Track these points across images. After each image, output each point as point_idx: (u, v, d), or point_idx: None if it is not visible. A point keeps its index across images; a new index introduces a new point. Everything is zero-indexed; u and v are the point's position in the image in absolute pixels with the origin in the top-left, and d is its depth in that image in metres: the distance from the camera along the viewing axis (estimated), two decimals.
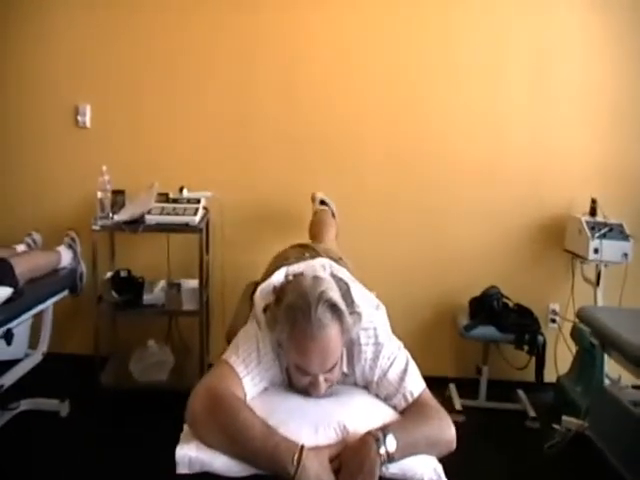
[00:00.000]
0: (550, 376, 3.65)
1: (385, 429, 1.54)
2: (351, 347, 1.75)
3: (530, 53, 3.69)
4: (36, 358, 3.31)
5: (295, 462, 1.43)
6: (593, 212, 3.57)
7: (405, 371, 1.74)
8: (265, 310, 1.74)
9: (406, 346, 1.86)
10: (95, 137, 3.76)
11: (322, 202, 3.54)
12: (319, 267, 1.97)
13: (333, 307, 1.61)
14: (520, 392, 3.70)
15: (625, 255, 3.41)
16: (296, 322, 1.59)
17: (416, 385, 1.73)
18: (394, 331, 1.93)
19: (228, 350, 1.77)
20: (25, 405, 3.19)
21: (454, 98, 3.73)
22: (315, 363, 1.62)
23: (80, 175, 3.71)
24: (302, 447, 1.47)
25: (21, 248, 3.28)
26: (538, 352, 3.45)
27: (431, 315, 3.90)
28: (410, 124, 3.76)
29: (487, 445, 3.22)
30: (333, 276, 1.84)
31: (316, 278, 1.70)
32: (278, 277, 1.90)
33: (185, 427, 1.61)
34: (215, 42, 3.70)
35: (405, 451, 1.53)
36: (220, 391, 1.59)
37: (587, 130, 3.73)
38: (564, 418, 3.19)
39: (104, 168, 3.40)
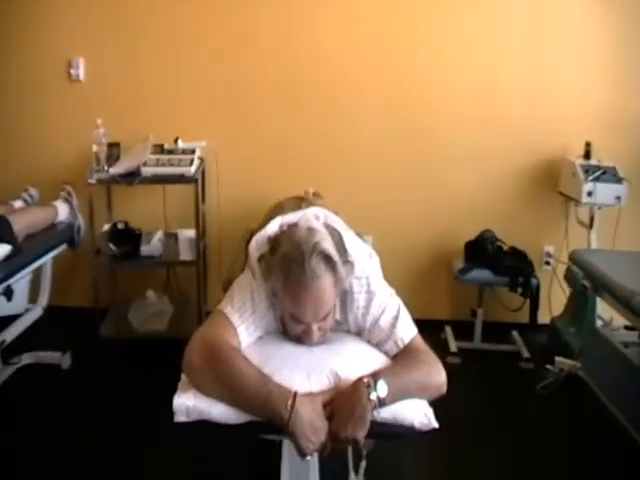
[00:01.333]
0: (544, 318, 3.70)
1: (376, 375, 1.57)
2: (344, 296, 1.78)
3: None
4: (36, 312, 3.34)
5: (289, 408, 1.47)
6: (587, 155, 3.57)
7: (396, 318, 1.77)
8: (260, 260, 1.76)
9: (402, 291, 1.89)
10: (89, 90, 3.74)
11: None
12: (313, 217, 1.98)
13: (327, 258, 1.63)
14: (514, 333, 3.77)
15: (618, 198, 3.42)
16: (290, 272, 1.61)
17: (407, 331, 1.76)
18: (390, 276, 1.96)
19: (223, 300, 1.80)
20: (27, 359, 3.22)
21: (447, 43, 3.70)
22: (309, 312, 1.65)
23: (75, 129, 3.70)
24: (295, 393, 1.50)
25: (18, 204, 3.28)
26: (532, 294, 3.49)
27: (427, 259, 3.94)
28: (403, 71, 3.73)
29: (482, 386, 3.30)
30: (327, 226, 1.85)
31: (310, 229, 1.71)
32: (273, 227, 1.91)
33: (182, 376, 1.65)
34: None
35: (396, 396, 1.57)
36: (216, 341, 1.63)
37: (581, 74, 3.71)
38: (557, 359, 3.26)
39: (99, 121, 3.38)
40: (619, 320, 3.09)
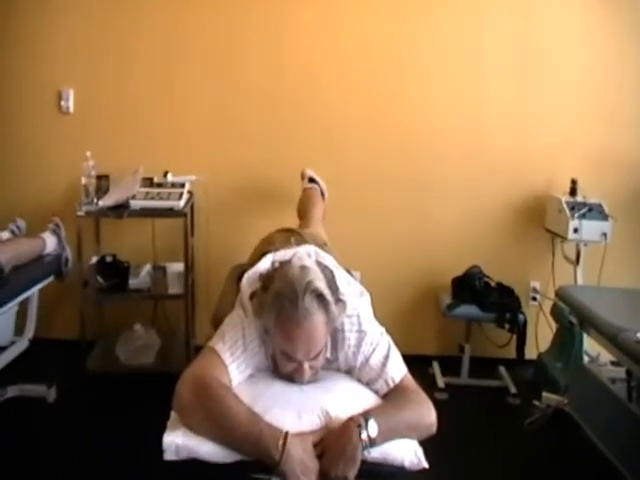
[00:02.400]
0: (531, 353, 3.69)
1: (367, 414, 1.58)
2: (335, 334, 1.79)
3: (514, 32, 3.72)
4: (22, 344, 3.31)
5: (280, 448, 1.47)
6: (573, 192, 3.61)
7: (387, 357, 1.78)
8: (252, 297, 1.77)
9: (389, 325, 1.90)
10: (79, 122, 3.75)
11: (311, 180, 3.56)
12: (305, 255, 2.00)
13: (320, 297, 1.64)
14: (502, 369, 3.76)
15: (604, 235, 3.46)
16: (283, 309, 1.62)
17: (397, 370, 1.77)
18: (378, 311, 1.97)
19: (214, 337, 1.80)
20: (12, 392, 3.18)
21: (433, 78, 3.76)
22: (300, 350, 1.65)
23: (64, 161, 3.71)
24: (286, 434, 1.50)
25: (5, 235, 3.26)
26: (519, 330, 3.50)
27: (414, 294, 3.95)
28: (394, 104, 3.78)
29: (469, 421, 3.27)
30: (318, 264, 1.86)
31: (303, 267, 1.73)
32: (264, 264, 1.93)
33: (172, 414, 1.64)
34: (199, 25, 3.70)
35: (387, 435, 1.57)
36: (207, 379, 1.62)
37: (568, 110, 3.77)
38: (544, 394, 3.27)
39: (88, 154, 3.39)
40: (606, 356, 3.10)
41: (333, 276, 1.80)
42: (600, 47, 3.72)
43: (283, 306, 1.62)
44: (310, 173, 3.59)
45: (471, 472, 2.84)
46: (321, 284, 1.66)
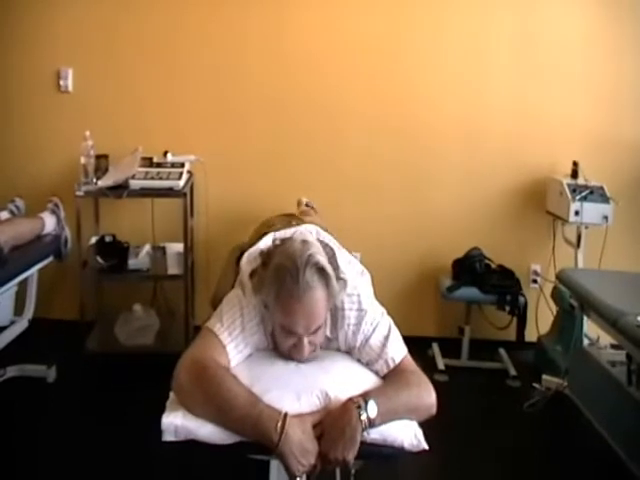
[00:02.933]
0: (531, 336, 3.70)
1: (366, 395, 1.57)
2: (335, 312, 1.78)
3: (515, 16, 3.69)
4: (22, 325, 3.29)
5: (279, 430, 1.46)
6: (574, 175, 3.60)
7: (387, 337, 1.76)
8: (252, 275, 1.76)
9: (390, 307, 1.89)
10: (78, 101, 3.73)
11: (307, 205, 3.55)
12: (306, 232, 1.99)
13: (321, 270, 1.63)
14: (502, 351, 3.77)
15: (605, 217, 3.45)
16: (284, 283, 1.60)
17: (398, 351, 1.76)
18: (378, 293, 1.96)
19: (212, 318, 1.78)
20: (12, 372, 3.19)
21: (436, 64, 3.75)
22: (300, 324, 1.64)
23: (63, 140, 3.70)
24: (285, 415, 1.49)
25: (4, 215, 3.25)
26: (519, 313, 3.51)
27: (415, 277, 3.94)
28: (395, 88, 3.76)
29: (468, 403, 3.29)
30: (320, 241, 1.86)
31: (304, 242, 1.72)
32: (265, 242, 1.92)
33: (171, 395, 1.63)
34: (202, 7, 3.67)
35: (386, 417, 1.56)
36: (205, 361, 1.61)
37: (569, 93, 3.76)
38: (544, 377, 3.29)
39: (87, 133, 3.37)
40: (606, 339, 3.10)
41: (334, 254, 1.79)
42: (600, 31, 3.70)
43: (284, 280, 1.60)
44: (306, 200, 3.58)
45: (470, 454, 2.85)
46: (322, 258, 1.65)
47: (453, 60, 3.73)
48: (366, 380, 1.70)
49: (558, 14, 3.68)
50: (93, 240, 3.57)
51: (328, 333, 1.79)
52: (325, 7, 3.68)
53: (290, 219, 2.39)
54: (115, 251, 3.43)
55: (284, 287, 1.61)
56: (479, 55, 3.73)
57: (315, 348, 1.74)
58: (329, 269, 1.65)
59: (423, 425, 1.65)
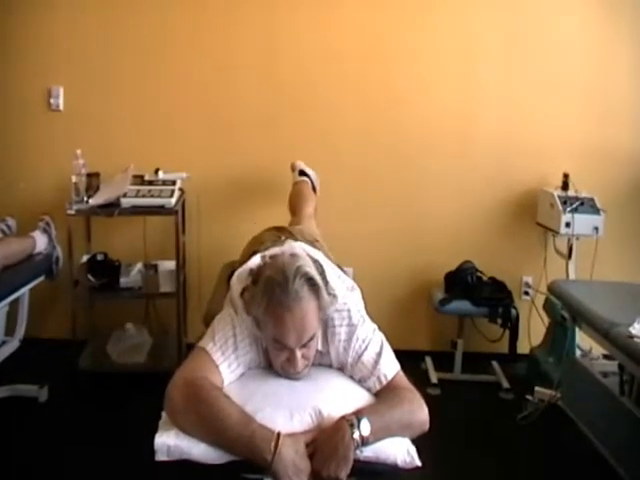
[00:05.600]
0: (523, 348, 3.70)
1: (359, 413, 1.57)
2: (325, 329, 1.78)
3: (508, 28, 3.71)
4: (13, 345, 3.27)
5: (272, 449, 1.46)
6: (565, 186, 3.61)
7: (379, 354, 1.77)
8: (242, 293, 1.76)
9: (382, 321, 1.90)
10: (69, 120, 3.73)
11: (302, 172, 3.53)
12: (296, 247, 2.00)
13: (310, 281, 1.64)
14: (494, 364, 3.77)
15: (596, 229, 3.47)
16: (273, 295, 1.61)
17: (390, 368, 1.76)
18: (371, 307, 1.97)
19: (205, 337, 1.78)
20: (3, 392, 3.17)
21: (426, 75, 3.75)
22: (292, 335, 1.64)
23: (54, 159, 3.68)
24: (279, 434, 1.49)
25: None
26: (511, 325, 3.52)
27: (407, 290, 3.94)
28: (386, 101, 3.77)
29: (462, 417, 3.28)
30: (309, 257, 1.86)
31: (293, 255, 1.74)
32: (254, 261, 1.92)
33: (163, 415, 1.63)
34: (191, 23, 3.68)
35: (379, 434, 1.57)
36: (198, 381, 1.61)
37: (560, 106, 3.77)
38: (537, 389, 3.28)
39: (78, 151, 3.36)
40: (598, 350, 3.11)
41: (323, 270, 1.79)
42: (593, 43, 3.72)
43: (274, 292, 1.61)
44: (300, 165, 3.56)
45: (464, 468, 2.84)
46: (311, 269, 1.67)
47: (445, 72, 3.74)
48: (359, 398, 1.70)
49: (549, 26, 3.70)
50: (84, 259, 3.56)
51: (320, 347, 1.79)
52: (316, 19, 3.69)
53: (279, 234, 2.40)
54: (106, 269, 3.42)
55: (274, 299, 1.61)
56: (470, 67, 3.74)
57: (308, 362, 1.74)
58: (319, 279, 1.66)
59: (416, 439, 1.65)
